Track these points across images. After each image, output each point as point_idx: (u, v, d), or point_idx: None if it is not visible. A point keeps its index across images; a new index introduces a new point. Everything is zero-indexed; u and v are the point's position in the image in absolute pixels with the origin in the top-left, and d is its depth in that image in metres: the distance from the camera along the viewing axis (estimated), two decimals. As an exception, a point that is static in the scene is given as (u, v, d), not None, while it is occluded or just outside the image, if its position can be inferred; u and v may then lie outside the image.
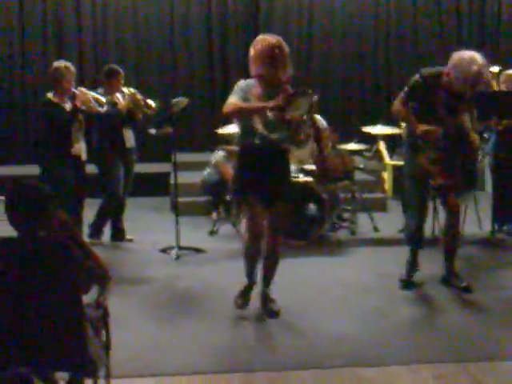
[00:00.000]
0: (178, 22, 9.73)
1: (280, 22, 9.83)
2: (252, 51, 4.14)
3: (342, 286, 4.93)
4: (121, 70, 6.18)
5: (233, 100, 4.13)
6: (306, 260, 5.66)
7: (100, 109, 5.84)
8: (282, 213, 4.29)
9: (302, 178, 6.21)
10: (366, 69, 10.03)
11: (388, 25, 10.04)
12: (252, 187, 4.20)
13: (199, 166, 7.39)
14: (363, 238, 6.44)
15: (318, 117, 6.60)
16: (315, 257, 5.77)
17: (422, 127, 4.59)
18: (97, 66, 9.23)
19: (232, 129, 6.69)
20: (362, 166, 7.11)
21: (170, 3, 9.67)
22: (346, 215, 6.89)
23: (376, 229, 6.60)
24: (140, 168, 6.89)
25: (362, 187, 7.04)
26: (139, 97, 6.06)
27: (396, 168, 7.68)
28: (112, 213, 6.25)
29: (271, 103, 4.02)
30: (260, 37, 4.19)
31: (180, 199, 6.22)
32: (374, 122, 7.54)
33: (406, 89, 4.71)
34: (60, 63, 5.73)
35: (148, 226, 6.96)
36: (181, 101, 5.99)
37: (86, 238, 5.57)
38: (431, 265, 5.14)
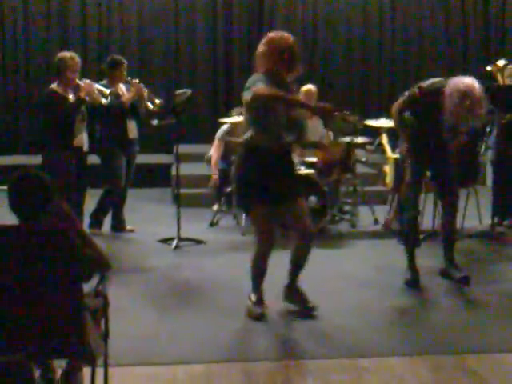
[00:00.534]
0: (183, 11, 9.71)
1: (284, 10, 9.82)
2: (265, 47, 4.04)
3: (341, 278, 4.95)
4: (124, 61, 6.18)
5: (264, 86, 3.90)
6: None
7: (104, 100, 5.85)
8: (301, 209, 4.18)
9: (303, 170, 6.21)
10: (369, 67, 10.03)
11: (393, 21, 10.03)
12: (261, 192, 4.04)
13: (201, 158, 7.40)
14: (364, 230, 6.46)
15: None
16: (315, 249, 5.75)
17: (404, 146, 4.75)
18: (100, 57, 9.21)
19: (234, 119, 6.73)
20: (363, 159, 7.11)
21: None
22: (346, 208, 6.90)
23: (377, 222, 6.61)
24: (142, 159, 6.90)
25: (363, 180, 7.05)
26: (145, 91, 6.07)
27: (397, 162, 7.65)
28: (113, 204, 6.27)
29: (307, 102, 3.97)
30: (275, 34, 4.11)
31: (181, 191, 6.23)
32: (377, 115, 7.53)
33: (405, 96, 4.74)
34: (65, 53, 5.72)
35: (149, 218, 6.98)
36: (185, 92, 6.00)
37: (86, 229, 5.60)
38: (430, 258, 5.15)
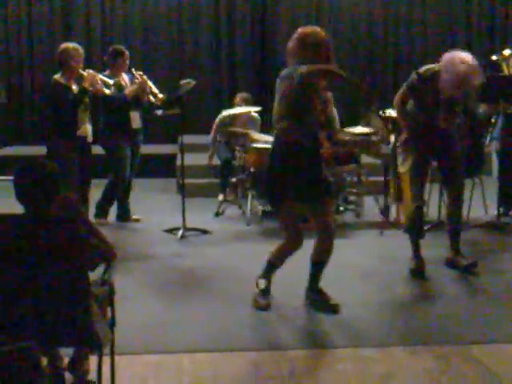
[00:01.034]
0: (186, 2, 9.69)
1: (287, 1, 9.79)
2: (299, 42, 3.92)
3: (346, 268, 4.95)
4: (126, 50, 6.18)
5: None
6: (310, 242, 5.67)
7: (107, 90, 5.85)
8: (327, 207, 4.13)
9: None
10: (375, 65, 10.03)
11: (397, 18, 10.01)
12: (292, 188, 3.99)
13: (206, 148, 7.40)
14: (369, 220, 6.45)
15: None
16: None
17: (403, 136, 4.75)
18: (103, 48, 9.22)
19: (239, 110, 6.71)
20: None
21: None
22: (351, 198, 6.90)
23: (383, 211, 6.59)
24: (147, 149, 6.91)
25: (368, 170, 7.03)
26: (149, 85, 6.07)
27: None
28: (118, 194, 6.28)
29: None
30: (307, 28, 4.00)
31: (186, 181, 6.24)
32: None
33: (405, 86, 4.73)
34: (68, 44, 5.72)
35: (154, 208, 7.00)
36: (189, 82, 5.99)
37: (92, 219, 5.61)
38: (436, 248, 5.15)
